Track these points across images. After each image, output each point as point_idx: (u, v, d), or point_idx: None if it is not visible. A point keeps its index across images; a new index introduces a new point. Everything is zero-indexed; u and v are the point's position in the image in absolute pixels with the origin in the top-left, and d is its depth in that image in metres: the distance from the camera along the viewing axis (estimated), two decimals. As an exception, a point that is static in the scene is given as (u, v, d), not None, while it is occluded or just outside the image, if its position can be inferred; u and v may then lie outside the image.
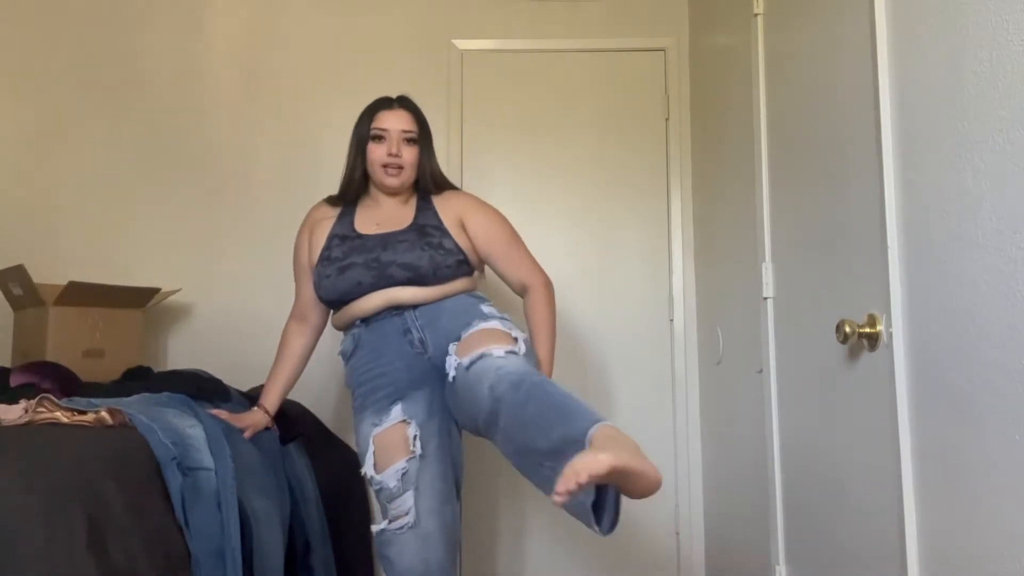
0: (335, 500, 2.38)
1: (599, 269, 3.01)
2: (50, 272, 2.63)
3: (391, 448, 1.83)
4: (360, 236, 1.98)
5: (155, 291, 2.70)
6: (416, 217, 2.00)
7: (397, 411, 1.86)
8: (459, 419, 1.88)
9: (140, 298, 2.66)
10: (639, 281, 3.00)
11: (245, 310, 2.94)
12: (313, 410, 2.66)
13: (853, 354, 1.59)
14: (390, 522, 1.82)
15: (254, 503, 1.90)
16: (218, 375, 2.44)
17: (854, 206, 1.59)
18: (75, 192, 3.00)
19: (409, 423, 1.85)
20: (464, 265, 1.96)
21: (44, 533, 1.30)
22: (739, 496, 2.45)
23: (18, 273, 2.46)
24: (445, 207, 2.02)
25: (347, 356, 1.99)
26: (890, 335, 1.42)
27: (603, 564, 2.90)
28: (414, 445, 1.83)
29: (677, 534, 2.92)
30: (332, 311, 2.06)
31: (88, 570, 1.34)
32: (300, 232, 2.11)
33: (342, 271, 1.92)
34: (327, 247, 1.98)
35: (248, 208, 2.99)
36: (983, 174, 1.18)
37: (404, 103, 2.05)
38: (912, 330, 1.39)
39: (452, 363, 1.77)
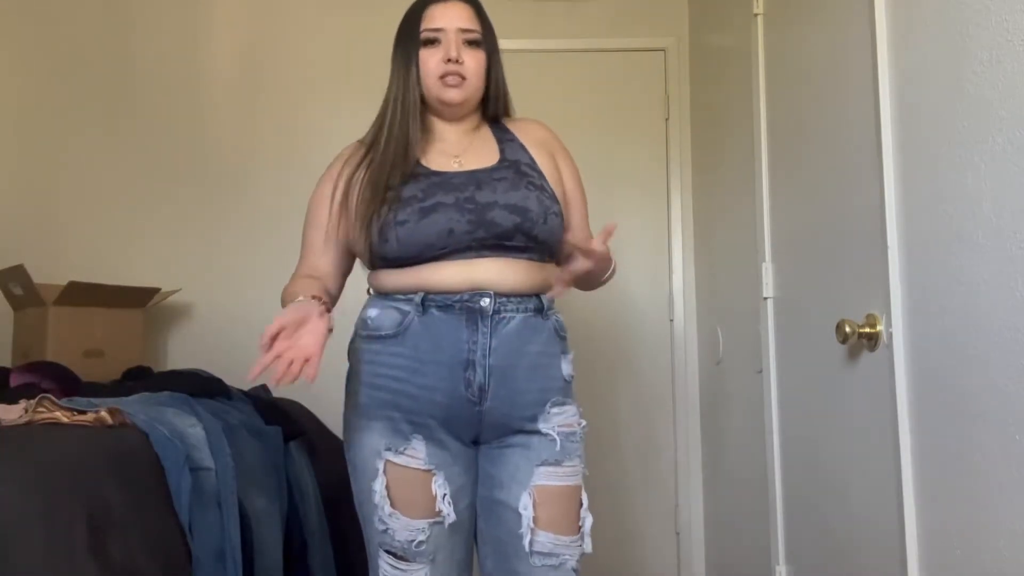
0: (335, 500, 2.38)
1: (599, 269, 3.01)
2: (50, 272, 2.63)
3: (408, 495, 1.42)
4: (438, 173, 1.48)
5: (155, 291, 2.70)
6: (504, 151, 1.54)
7: (419, 449, 1.42)
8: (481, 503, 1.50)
9: (140, 298, 2.66)
10: (639, 281, 3.00)
11: (245, 310, 2.93)
12: (313, 410, 2.66)
13: (853, 354, 1.59)
14: None
15: (254, 502, 1.90)
16: (218, 375, 2.44)
17: (854, 206, 1.59)
18: (75, 192, 3.00)
19: (435, 475, 1.42)
20: (562, 223, 1.52)
21: (44, 533, 1.30)
22: (739, 496, 2.45)
23: (18, 273, 2.47)
24: (528, 136, 1.59)
25: (377, 335, 1.46)
26: (890, 335, 1.42)
27: (603, 564, 2.90)
28: (445, 508, 1.41)
29: (677, 534, 2.92)
30: (372, 268, 1.52)
31: (88, 570, 1.34)
32: (326, 178, 1.56)
33: (424, 213, 1.41)
34: (388, 186, 1.47)
35: (248, 208, 2.98)
36: (983, 174, 1.18)
37: None
38: (912, 330, 1.39)
39: (526, 522, 1.41)
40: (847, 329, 1.50)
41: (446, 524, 1.42)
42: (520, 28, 3.05)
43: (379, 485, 1.41)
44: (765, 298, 2.08)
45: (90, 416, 1.70)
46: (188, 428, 1.82)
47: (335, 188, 1.53)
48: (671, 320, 2.97)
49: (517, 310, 1.44)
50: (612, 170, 3.01)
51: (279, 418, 2.28)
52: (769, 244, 2.08)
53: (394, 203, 1.43)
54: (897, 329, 1.42)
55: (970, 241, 1.21)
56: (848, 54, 1.61)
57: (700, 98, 2.93)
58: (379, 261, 1.47)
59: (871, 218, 1.49)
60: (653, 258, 3.01)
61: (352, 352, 1.52)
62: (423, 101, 1.54)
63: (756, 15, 2.15)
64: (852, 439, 1.62)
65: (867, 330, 1.49)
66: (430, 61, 1.51)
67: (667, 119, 3.03)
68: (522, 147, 1.56)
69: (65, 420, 1.68)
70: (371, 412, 1.45)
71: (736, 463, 2.49)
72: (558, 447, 1.44)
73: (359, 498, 1.47)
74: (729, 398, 2.55)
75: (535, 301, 1.47)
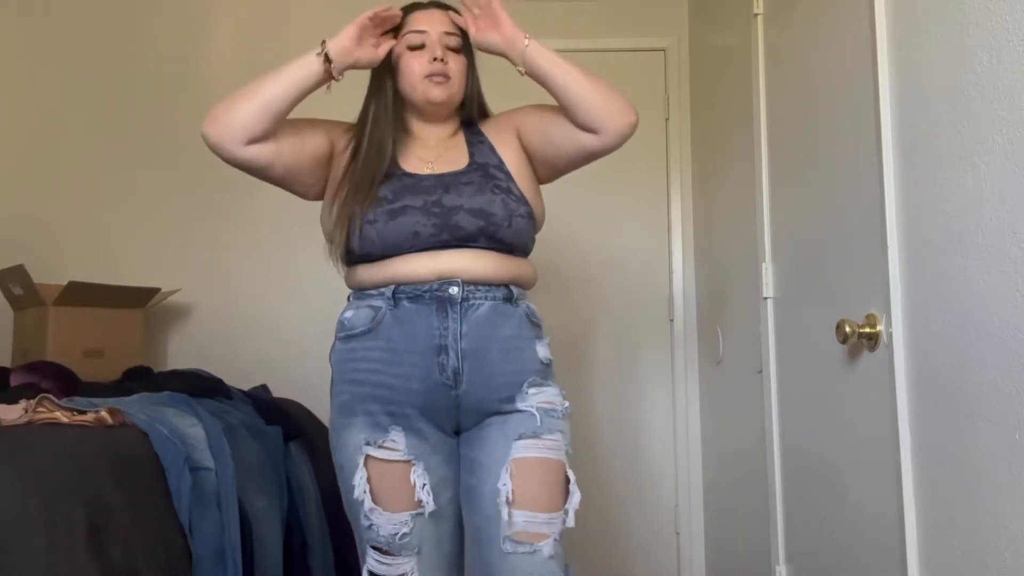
0: (335, 500, 2.37)
1: (599, 269, 3.01)
2: (50, 272, 2.63)
3: (392, 488, 1.44)
4: (410, 175, 1.53)
5: (155, 291, 2.70)
6: (473, 154, 1.58)
7: (398, 441, 1.44)
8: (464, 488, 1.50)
9: (140, 298, 2.66)
10: (639, 281, 3.00)
11: (245, 310, 2.94)
12: (313, 410, 2.66)
13: (853, 354, 1.59)
14: None
15: (254, 502, 1.90)
16: (218, 375, 2.45)
17: (854, 206, 1.59)
18: (75, 192, 3.00)
19: (414, 465, 1.44)
20: (532, 222, 1.56)
21: (44, 533, 1.30)
22: (739, 496, 2.45)
23: (18, 273, 2.47)
24: (498, 135, 1.62)
25: (352, 334, 1.50)
26: (890, 335, 1.42)
27: (603, 564, 2.90)
28: (424, 497, 1.43)
29: (677, 534, 2.92)
30: (347, 264, 1.56)
31: (88, 570, 1.34)
32: (331, 121, 1.62)
33: (393, 215, 1.46)
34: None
35: (248, 208, 2.98)
36: (983, 174, 1.18)
37: (440, 4, 1.65)
38: (912, 330, 1.39)
39: (503, 497, 1.41)
40: (847, 329, 1.50)
41: (426, 514, 1.43)
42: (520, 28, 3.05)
43: (359, 479, 1.43)
44: (765, 298, 2.08)
45: (90, 416, 1.70)
46: (188, 428, 1.82)
47: (332, 135, 1.58)
48: (671, 320, 2.98)
49: (486, 298, 1.47)
50: (612, 170, 3.00)
51: (279, 418, 2.28)
52: (769, 244, 2.08)
53: (366, 202, 1.48)
54: (897, 329, 1.41)
55: (970, 241, 1.21)
56: (848, 54, 1.61)
57: (700, 98, 2.93)
58: (350, 255, 1.52)
59: (871, 218, 1.49)
60: (653, 258, 3.01)
61: (332, 354, 1.55)
62: (404, 103, 1.60)
63: (756, 15, 2.15)
64: (852, 439, 1.62)
65: (867, 330, 1.49)
66: (415, 64, 1.56)
67: (667, 119, 3.03)
68: (491, 149, 1.60)
69: (65, 420, 1.68)
70: (352, 408, 1.47)
71: (736, 463, 2.49)
72: (538, 422, 1.45)
73: (346, 498, 1.48)
74: (729, 398, 2.55)
75: (504, 290, 1.50)
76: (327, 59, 1.49)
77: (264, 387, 2.65)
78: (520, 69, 1.53)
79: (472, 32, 1.56)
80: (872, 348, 1.49)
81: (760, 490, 2.12)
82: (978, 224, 1.19)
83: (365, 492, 1.42)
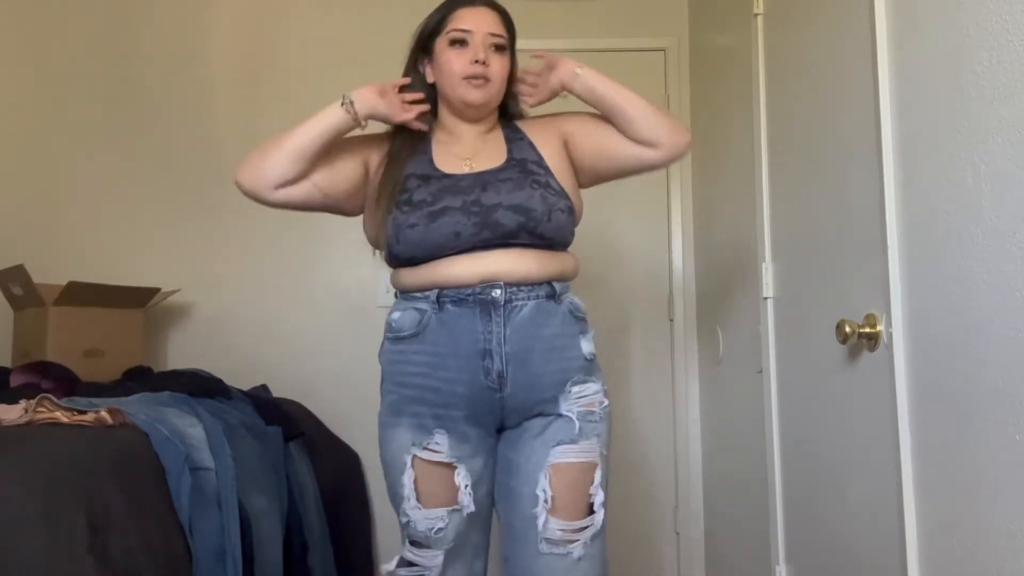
0: (335, 500, 2.38)
1: (599, 269, 3.01)
2: (50, 272, 2.63)
3: (431, 487, 1.50)
4: (448, 176, 1.54)
5: (155, 291, 2.70)
6: (511, 151, 1.59)
7: (441, 444, 1.49)
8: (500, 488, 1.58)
9: (140, 298, 2.66)
10: (639, 281, 3.00)
11: (245, 310, 2.93)
12: (313, 410, 2.67)
13: (853, 354, 1.59)
14: (409, 566, 1.53)
15: (254, 502, 1.90)
16: (218, 375, 2.45)
17: (854, 206, 1.59)
18: (75, 192, 2.99)
19: (457, 468, 1.49)
20: (572, 216, 1.57)
21: (44, 534, 1.30)
22: (739, 496, 2.45)
23: (18, 273, 2.47)
24: (539, 133, 1.63)
25: (400, 336, 1.53)
26: (890, 335, 1.43)
27: (603, 564, 2.90)
28: (464, 499, 1.49)
29: (677, 534, 2.92)
30: (391, 266, 1.60)
31: (88, 570, 1.34)
32: (365, 136, 1.64)
33: (433, 217, 1.47)
34: (403, 189, 1.53)
35: (249, 208, 2.95)
36: (983, 174, 1.18)
37: (489, 2, 1.62)
38: (912, 330, 1.39)
39: (541, 503, 1.46)
40: (847, 329, 1.50)
41: (464, 513, 1.50)
42: (520, 28, 3.02)
43: (407, 479, 1.49)
44: (765, 298, 2.08)
45: (90, 416, 1.70)
46: (188, 428, 1.82)
47: (364, 155, 1.61)
48: (671, 320, 2.97)
49: (528, 298, 1.50)
50: (612, 170, 3.01)
51: (279, 418, 2.28)
52: (769, 244, 2.08)
53: (406, 206, 1.50)
54: (897, 329, 1.42)
55: (970, 241, 1.21)
56: (848, 54, 1.61)
57: (700, 98, 2.93)
58: (394, 260, 1.56)
59: (871, 218, 1.49)
60: (653, 258, 3.00)
61: (381, 354, 1.59)
62: (442, 99, 1.62)
63: (756, 15, 2.15)
64: (852, 439, 1.62)
65: (867, 330, 1.49)
66: (455, 62, 1.56)
67: (667, 119, 3.03)
68: (530, 145, 1.61)
69: (65, 420, 1.68)
70: (400, 409, 1.52)
71: (736, 463, 2.49)
72: (576, 429, 1.49)
73: (390, 492, 1.55)
74: (729, 398, 2.55)
75: (547, 288, 1.52)
76: (351, 105, 1.53)
77: (264, 387, 2.65)
78: (563, 94, 1.61)
79: (533, 100, 1.65)
80: (872, 348, 1.49)
81: (760, 490, 2.12)
82: (978, 224, 1.19)
83: (413, 491, 1.49)
